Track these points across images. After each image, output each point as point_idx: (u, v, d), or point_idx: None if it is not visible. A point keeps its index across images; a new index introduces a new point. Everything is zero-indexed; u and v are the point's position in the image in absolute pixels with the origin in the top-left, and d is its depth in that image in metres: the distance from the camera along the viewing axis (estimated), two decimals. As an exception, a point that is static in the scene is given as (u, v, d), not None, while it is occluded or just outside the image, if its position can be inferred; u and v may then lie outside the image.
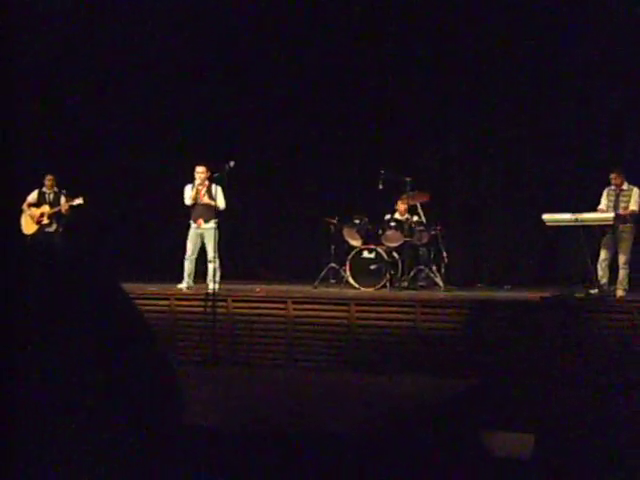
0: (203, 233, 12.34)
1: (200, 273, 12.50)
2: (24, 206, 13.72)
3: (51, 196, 13.75)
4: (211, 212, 12.32)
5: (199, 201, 12.33)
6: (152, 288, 12.34)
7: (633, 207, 11.50)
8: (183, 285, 12.36)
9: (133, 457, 1.22)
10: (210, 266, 12.21)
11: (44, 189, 13.78)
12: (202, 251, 12.43)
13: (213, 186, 12.37)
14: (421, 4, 15.18)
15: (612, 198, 11.69)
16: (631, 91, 14.03)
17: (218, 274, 12.16)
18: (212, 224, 12.30)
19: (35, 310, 1.27)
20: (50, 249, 1.46)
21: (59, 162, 14.95)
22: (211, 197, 12.32)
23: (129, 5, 15.85)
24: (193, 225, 12.38)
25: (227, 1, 15.95)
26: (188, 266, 12.40)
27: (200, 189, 12.35)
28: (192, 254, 12.39)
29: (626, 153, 13.71)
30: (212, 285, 12.00)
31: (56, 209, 13.60)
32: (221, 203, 12.30)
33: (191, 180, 12.47)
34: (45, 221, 13.66)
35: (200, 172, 12.39)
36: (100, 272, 1.36)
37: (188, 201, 12.40)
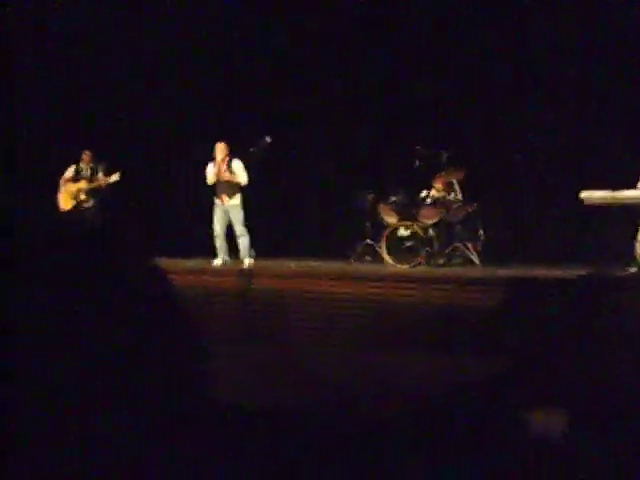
0: (228, 210, 12.33)
1: (233, 249, 12.53)
2: (61, 182, 13.77)
3: (88, 171, 13.78)
4: (234, 188, 12.33)
5: (221, 178, 12.32)
6: (190, 264, 12.40)
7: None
8: (218, 261, 12.39)
9: (158, 437, 1.22)
10: (240, 241, 12.25)
11: (81, 164, 13.81)
12: (231, 227, 12.44)
13: (234, 162, 12.35)
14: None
15: (653, 175, 11.57)
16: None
17: (252, 249, 12.20)
18: (236, 200, 12.30)
19: (68, 289, 1.26)
20: (84, 226, 1.46)
21: (95, 137, 15.03)
22: (232, 173, 12.31)
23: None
24: (217, 202, 12.38)
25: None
26: (219, 243, 12.43)
27: (221, 165, 12.34)
28: (221, 231, 12.40)
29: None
30: (247, 261, 12.06)
31: (93, 185, 13.64)
32: (243, 178, 12.28)
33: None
34: (82, 197, 13.70)
35: (221, 149, 12.38)
36: (134, 250, 1.35)
37: (210, 179, 12.39)
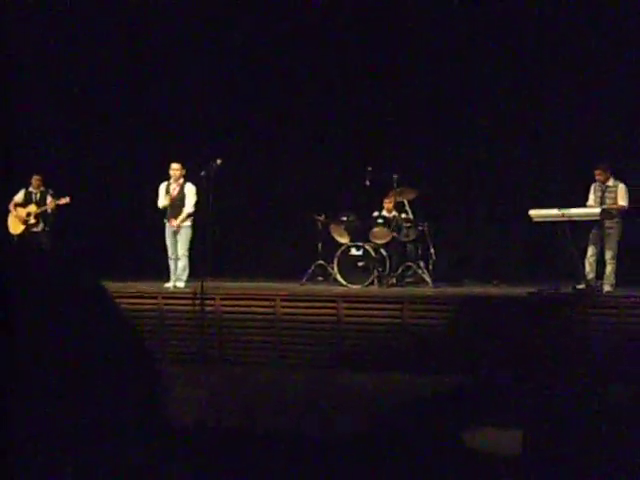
0: (177, 232, 12.29)
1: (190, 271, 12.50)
2: (10, 206, 13.69)
3: (38, 196, 13.72)
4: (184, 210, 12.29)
5: (173, 200, 12.26)
6: (141, 286, 12.34)
7: (622, 202, 11.52)
8: (170, 284, 12.34)
9: (119, 454, 1.22)
10: (179, 264, 12.24)
11: (31, 189, 13.76)
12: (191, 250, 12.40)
13: (187, 185, 12.31)
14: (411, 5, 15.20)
15: (598, 194, 11.72)
16: (616, 87, 14.08)
17: (186, 272, 12.20)
18: (187, 222, 12.26)
19: (21, 309, 1.27)
20: (37, 249, 1.46)
21: (45, 162, 14.94)
22: (183, 196, 12.28)
23: (120, 7, 15.85)
24: (167, 224, 12.33)
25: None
26: (173, 265, 12.38)
27: (174, 187, 12.30)
28: (172, 253, 12.35)
29: (614, 148, 13.72)
30: (179, 283, 12.09)
31: (43, 209, 13.57)
32: (188, 206, 12.21)
33: (168, 179, 12.43)
34: (32, 221, 13.62)
35: (175, 169, 12.32)
36: (84, 272, 1.35)
37: (161, 202, 12.31)
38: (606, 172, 11.67)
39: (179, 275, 12.26)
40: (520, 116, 14.89)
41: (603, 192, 11.66)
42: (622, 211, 11.54)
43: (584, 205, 11.67)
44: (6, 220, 13.70)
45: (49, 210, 13.55)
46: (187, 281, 12.30)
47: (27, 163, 14.60)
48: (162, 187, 12.37)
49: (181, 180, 12.32)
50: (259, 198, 16.17)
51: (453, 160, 15.41)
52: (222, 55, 16.06)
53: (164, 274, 12.55)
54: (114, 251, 15.45)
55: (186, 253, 12.24)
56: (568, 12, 14.38)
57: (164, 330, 11.37)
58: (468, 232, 15.35)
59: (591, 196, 11.80)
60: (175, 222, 12.21)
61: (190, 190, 12.25)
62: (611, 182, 11.66)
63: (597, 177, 11.73)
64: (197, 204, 12.27)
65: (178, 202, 12.25)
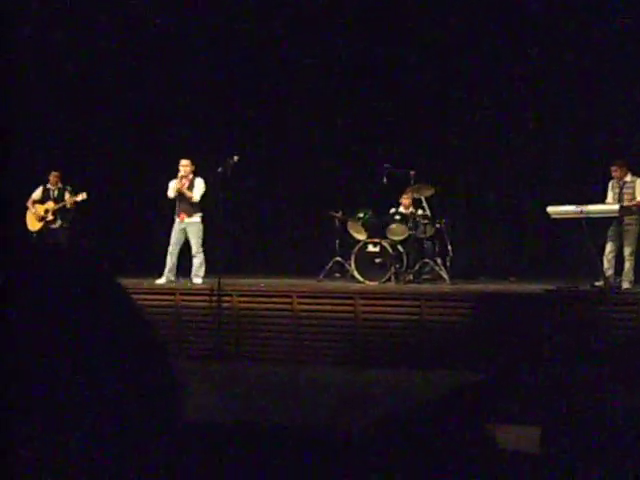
0: (186, 227, 12.33)
1: (185, 269, 12.54)
2: (28, 203, 13.76)
3: (55, 192, 13.78)
4: (195, 206, 12.32)
5: (181, 194, 12.32)
6: (159, 282, 12.38)
7: (639, 197, 11.47)
8: (162, 280, 12.35)
9: (132, 454, 1.22)
10: (195, 261, 12.28)
11: (48, 185, 13.82)
12: (188, 246, 12.43)
13: (197, 180, 12.37)
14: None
15: (616, 190, 11.67)
16: (633, 83, 14.02)
17: (203, 269, 12.22)
18: (196, 218, 12.31)
19: (38, 308, 1.26)
20: (55, 246, 1.46)
21: (62, 159, 15.00)
22: (192, 191, 12.35)
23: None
24: (176, 219, 12.38)
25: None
26: (169, 260, 12.39)
27: (183, 182, 12.35)
28: (174, 248, 12.38)
29: (633, 144, 13.66)
30: (196, 280, 12.11)
31: (60, 205, 13.62)
32: (196, 195, 12.27)
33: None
34: (49, 218, 13.68)
35: (184, 165, 12.39)
36: (101, 269, 1.35)
37: (171, 193, 12.38)
38: (622, 168, 11.61)
39: (196, 272, 12.28)
40: (538, 114, 14.84)
41: (621, 188, 11.61)
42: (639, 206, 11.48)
43: (603, 202, 11.62)
44: (24, 217, 13.76)
45: (68, 206, 13.61)
46: (203, 277, 12.33)
47: (45, 160, 14.67)
48: (172, 182, 12.44)
49: (190, 176, 12.39)
50: (276, 195, 16.19)
51: (470, 157, 15.38)
52: (240, 52, 16.07)
53: (182, 270, 12.57)
54: (131, 247, 15.50)
55: (200, 249, 12.27)
56: (578, 5, 14.32)
57: (181, 327, 11.40)
58: (485, 229, 15.32)
59: (610, 193, 11.75)
60: (184, 217, 12.27)
61: (199, 182, 12.33)
62: (629, 178, 11.61)
63: (613, 173, 11.67)
64: (205, 197, 12.33)
65: (188, 197, 12.30)
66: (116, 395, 1.19)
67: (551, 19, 14.59)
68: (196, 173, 12.44)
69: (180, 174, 12.37)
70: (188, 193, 12.25)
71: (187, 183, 12.37)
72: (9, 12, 13.60)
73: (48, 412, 1.15)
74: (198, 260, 12.25)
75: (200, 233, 12.30)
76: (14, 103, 14.17)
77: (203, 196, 12.34)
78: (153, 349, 1.29)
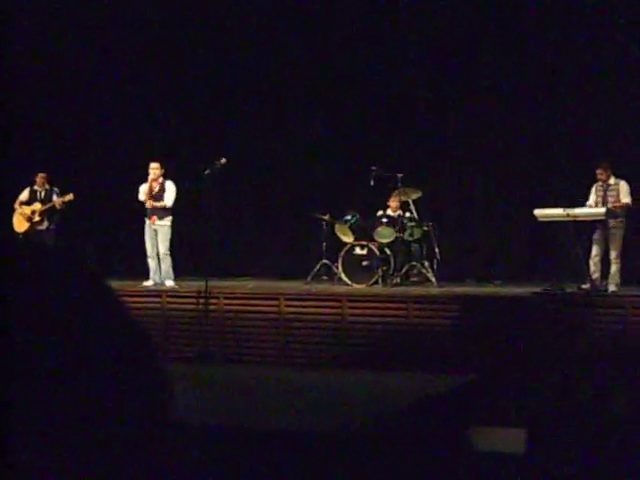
0: (157, 229, 12.35)
1: (177, 269, 12.56)
2: (16, 204, 13.72)
3: (42, 194, 13.74)
4: (165, 210, 12.34)
5: (151, 198, 12.34)
6: (146, 284, 12.38)
7: (625, 200, 11.50)
8: (149, 282, 12.38)
9: (124, 457, 1.22)
10: (162, 264, 12.30)
11: (35, 187, 13.79)
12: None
13: (167, 183, 12.39)
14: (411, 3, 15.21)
15: (600, 193, 11.70)
16: (618, 86, 14.08)
17: (171, 270, 12.25)
18: (166, 221, 12.33)
19: (24, 308, 1.27)
20: (42, 247, 1.46)
21: (49, 160, 14.96)
22: (163, 193, 12.37)
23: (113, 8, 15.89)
24: (147, 222, 12.39)
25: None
26: (152, 263, 12.42)
27: (154, 186, 12.35)
28: (152, 251, 12.41)
29: (614, 147, 13.71)
30: (168, 282, 12.16)
31: (48, 206, 13.59)
32: (167, 201, 12.29)
33: (172, 178, 12.48)
34: (36, 219, 13.64)
35: (154, 168, 12.39)
36: (88, 270, 1.35)
37: (142, 197, 12.41)
38: (607, 171, 11.66)
39: (166, 274, 12.30)
40: (523, 116, 14.87)
41: (605, 191, 11.64)
42: (626, 209, 11.52)
43: (584, 204, 11.66)
44: (11, 218, 13.73)
45: (57, 207, 13.58)
46: (175, 279, 12.36)
47: (31, 161, 14.63)
48: (143, 186, 12.46)
49: (161, 179, 12.41)
50: (263, 197, 16.18)
51: (457, 160, 15.41)
52: (228, 54, 16.07)
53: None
54: (118, 249, 15.48)
55: (167, 252, 12.31)
56: (568, 12, 14.37)
57: (167, 329, 11.38)
58: (472, 232, 15.33)
59: (592, 196, 11.78)
60: (156, 220, 12.28)
61: (169, 186, 12.35)
62: (612, 180, 11.65)
63: (599, 176, 11.70)
64: (176, 201, 12.36)
65: (161, 206, 12.32)
66: (106, 395, 1.20)
67: (542, 26, 14.64)
68: (166, 176, 12.47)
69: (150, 177, 12.39)
70: (159, 204, 12.26)
71: (158, 186, 12.39)
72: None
73: (38, 411, 1.16)
74: (165, 263, 12.30)
75: (168, 236, 12.35)
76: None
77: (175, 199, 12.38)
78: (144, 350, 1.29)
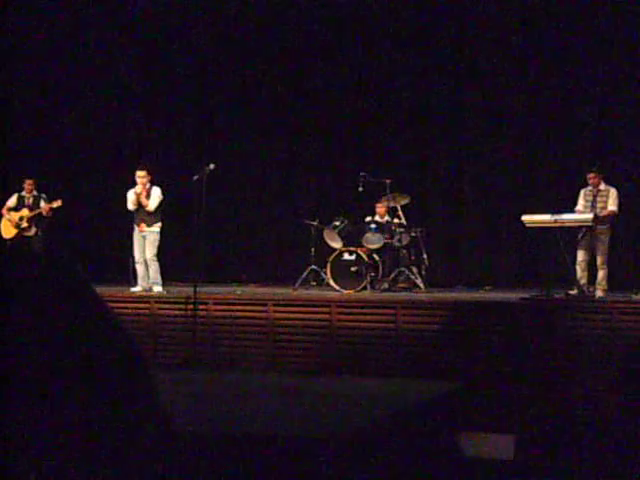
0: (145, 236, 12.36)
1: (166, 275, 12.55)
2: (3, 210, 13.69)
3: (30, 200, 13.72)
4: (154, 216, 12.35)
5: (139, 204, 12.36)
6: (134, 289, 12.36)
7: (612, 207, 11.53)
8: (137, 288, 12.38)
9: (115, 463, 1.22)
10: (149, 269, 12.30)
11: (23, 193, 13.76)
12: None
13: (153, 189, 12.40)
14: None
15: (589, 199, 11.72)
16: (609, 92, 14.14)
17: (159, 275, 12.25)
18: (154, 228, 12.34)
19: (13, 310, 1.27)
20: (29, 253, 1.46)
21: (36, 166, 14.94)
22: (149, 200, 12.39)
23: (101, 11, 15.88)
24: (136, 229, 12.40)
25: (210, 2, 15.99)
26: (140, 269, 12.43)
27: (140, 193, 12.35)
28: (139, 257, 12.42)
29: (604, 153, 13.76)
30: (156, 288, 12.16)
31: (35, 212, 13.57)
32: (152, 205, 12.29)
33: (159, 185, 12.49)
34: (24, 225, 13.61)
35: (141, 176, 12.40)
36: (76, 276, 1.35)
37: (130, 206, 12.41)
38: (598, 176, 11.68)
39: (153, 279, 12.30)
40: (511, 121, 14.91)
41: (594, 196, 11.66)
42: (612, 216, 11.56)
43: (573, 210, 11.67)
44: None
45: (44, 213, 13.55)
46: (163, 285, 12.35)
47: (19, 167, 14.60)
48: (130, 193, 12.45)
49: (148, 185, 12.41)
50: (252, 203, 16.16)
51: (445, 166, 15.43)
52: (215, 57, 16.08)
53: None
54: (105, 255, 15.45)
55: (154, 258, 12.30)
56: (558, 14, 14.43)
57: (156, 335, 11.36)
58: (460, 237, 15.36)
59: (580, 201, 11.79)
60: (144, 227, 12.29)
61: (155, 191, 12.37)
62: (602, 186, 11.67)
63: (591, 180, 11.70)
64: (160, 206, 12.36)
65: (143, 205, 12.33)
66: (92, 400, 1.20)
67: (531, 32, 14.70)
68: (153, 182, 12.47)
69: (137, 185, 12.39)
70: (144, 201, 12.27)
71: (145, 193, 12.39)
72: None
73: (29, 414, 1.16)
74: (153, 268, 12.29)
75: (157, 242, 12.35)
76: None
77: (160, 206, 12.37)
78: (130, 355, 1.29)
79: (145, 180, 12.39)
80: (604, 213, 11.47)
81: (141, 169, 12.45)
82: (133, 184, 12.46)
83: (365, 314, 10.86)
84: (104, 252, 15.54)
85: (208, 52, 16.06)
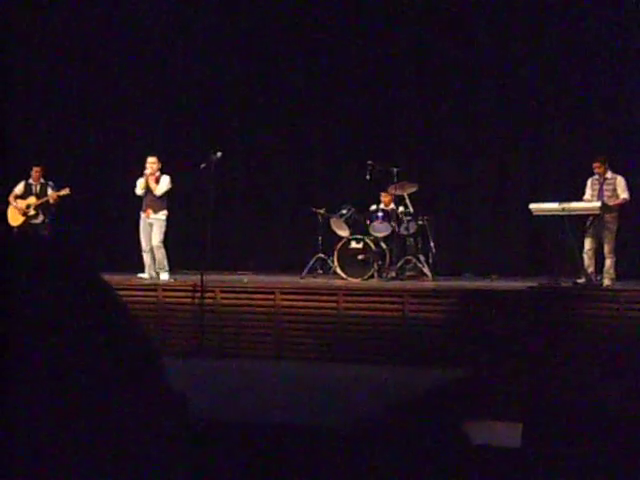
0: (152, 223, 12.37)
1: (173, 263, 12.57)
2: (10, 198, 13.69)
3: (38, 187, 13.72)
4: (161, 203, 12.37)
5: (149, 190, 12.39)
6: (142, 275, 12.39)
7: (624, 195, 11.49)
8: (145, 275, 12.41)
9: (127, 455, 1.22)
10: (156, 255, 12.32)
11: (30, 181, 13.76)
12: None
13: (163, 177, 12.42)
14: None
15: (596, 187, 11.69)
16: (614, 81, 14.10)
17: (166, 262, 12.25)
18: (161, 215, 12.35)
19: (20, 301, 1.26)
20: (36, 240, 1.45)
21: (44, 153, 14.94)
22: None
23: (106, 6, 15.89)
24: (142, 215, 12.42)
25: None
26: (147, 258, 12.45)
27: (150, 179, 12.37)
28: (147, 246, 12.43)
29: (611, 142, 13.73)
30: (163, 275, 12.17)
31: (43, 200, 13.58)
32: (159, 190, 12.31)
33: (168, 172, 12.51)
34: (31, 212, 13.62)
35: (151, 162, 12.44)
36: (84, 263, 1.35)
37: (139, 191, 12.45)
38: (604, 165, 11.64)
39: (160, 265, 12.31)
40: (520, 110, 14.88)
41: (601, 185, 11.63)
42: (622, 204, 11.51)
43: (581, 199, 11.65)
44: (6, 212, 13.70)
45: (52, 201, 13.57)
46: (170, 273, 12.36)
47: (27, 155, 14.60)
48: (140, 180, 12.48)
49: (157, 173, 12.43)
50: (259, 191, 16.16)
51: (453, 154, 15.41)
52: (223, 46, 16.06)
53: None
54: (113, 243, 15.47)
55: (161, 245, 12.32)
56: (567, 7, 14.39)
57: (163, 323, 11.38)
58: (468, 226, 15.34)
59: (588, 190, 11.77)
60: (150, 213, 12.31)
61: (164, 179, 12.39)
62: (609, 175, 11.63)
63: (596, 170, 11.67)
64: (168, 194, 12.37)
65: (152, 189, 12.36)
66: (101, 390, 1.19)
67: (537, 19, 14.65)
68: (162, 170, 12.48)
69: (147, 171, 12.41)
70: (152, 185, 12.30)
71: (154, 178, 12.42)
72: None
73: (35, 406, 1.15)
74: (159, 255, 12.32)
75: (163, 229, 12.38)
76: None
77: (167, 194, 12.39)
78: (140, 344, 1.29)
79: (155, 167, 12.43)
80: (617, 202, 11.43)
81: (152, 155, 12.50)
82: (141, 173, 12.47)
83: (372, 302, 10.86)
84: (111, 240, 15.53)
85: (215, 40, 16.03)
